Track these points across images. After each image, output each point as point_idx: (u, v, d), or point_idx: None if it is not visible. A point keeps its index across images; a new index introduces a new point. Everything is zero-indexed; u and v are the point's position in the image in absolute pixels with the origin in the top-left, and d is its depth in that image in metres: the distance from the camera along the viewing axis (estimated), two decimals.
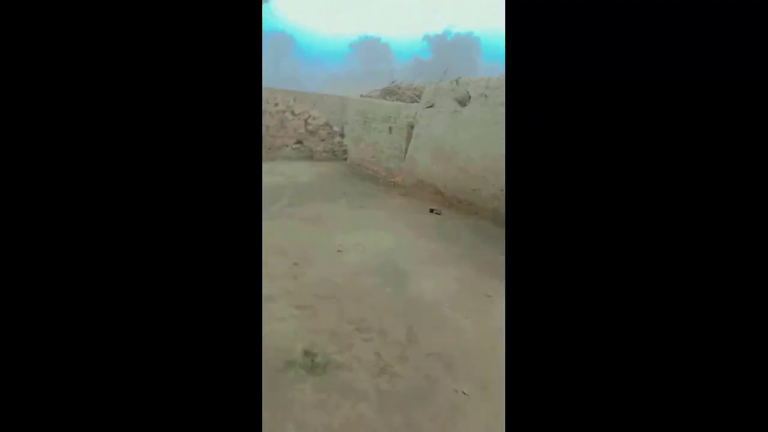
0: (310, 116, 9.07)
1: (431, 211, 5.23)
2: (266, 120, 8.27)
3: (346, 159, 8.16)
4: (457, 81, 5.31)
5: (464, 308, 2.79)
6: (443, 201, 5.50)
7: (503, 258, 3.48)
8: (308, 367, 2.03)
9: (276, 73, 35.21)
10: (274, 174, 6.76)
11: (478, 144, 4.96)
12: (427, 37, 38.70)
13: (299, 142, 8.71)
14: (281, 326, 2.36)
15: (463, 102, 5.17)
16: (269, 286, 2.82)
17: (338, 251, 3.59)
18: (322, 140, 9.01)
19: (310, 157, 8.80)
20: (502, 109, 4.56)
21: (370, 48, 40.64)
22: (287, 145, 8.57)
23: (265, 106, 8.43)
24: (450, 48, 36.41)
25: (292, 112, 8.79)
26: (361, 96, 8.08)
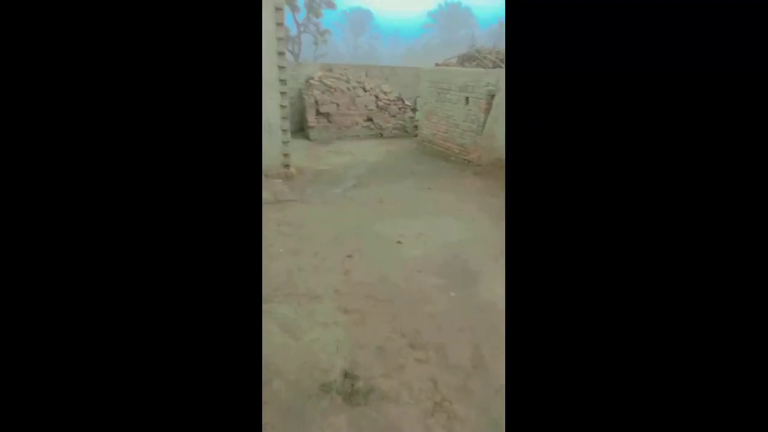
0: (381, 91, 8.63)
1: None
2: (336, 98, 8.06)
3: (416, 135, 7.62)
4: None
5: None
6: None
7: None
8: (347, 394, 1.68)
9: (354, 50, 35.30)
10: (341, 153, 6.55)
11: None
12: None
13: (369, 119, 8.37)
14: (323, 334, 2.05)
15: None
16: (317, 283, 2.54)
17: (398, 242, 3.17)
18: (393, 116, 8.54)
19: (380, 134, 8.43)
20: None
21: (450, 15, 38.21)
22: (357, 123, 8.30)
23: (336, 84, 8.21)
24: None
25: (363, 88, 8.44)
26: (436, 65, 7.34)
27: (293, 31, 16.64)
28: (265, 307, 2.27)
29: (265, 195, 4.38)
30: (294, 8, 16.02)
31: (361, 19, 38.27)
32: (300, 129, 8.29)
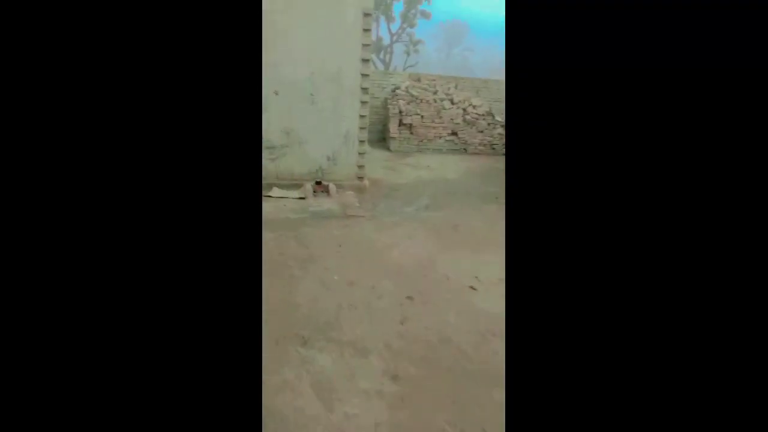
0: (470, 105, 8.06)
1: None
2: (422, 109, 7.70)
3: (505, 154, 6.89)
4: None
5: None
6: None
7: None
8: None
9: (447, 61, 34.92)
10: (419, 168, 6.14)
11: None
12: None
13: (454, 133, 7.85)
14: (362, 409, 1.62)
15: None
16: (367, 329, 2.13)
17: (471, 288, 2.63)
18: (480, 132, 7.91)
19: (464, 150, 7.85)
20: None
21: None
22: (441, 137, 7.84)
23: (423, 94, 7.86)
24: None
25: (451, 101, 7.96)
26: None
27: (386, 40, 16.84)
28: (302, 352, 1.93)
29: (334, 207, 4.15)
30: (389, 18, 16.19)
31: (457, 30, 37.76)
32: (381, 139, 8.10)
